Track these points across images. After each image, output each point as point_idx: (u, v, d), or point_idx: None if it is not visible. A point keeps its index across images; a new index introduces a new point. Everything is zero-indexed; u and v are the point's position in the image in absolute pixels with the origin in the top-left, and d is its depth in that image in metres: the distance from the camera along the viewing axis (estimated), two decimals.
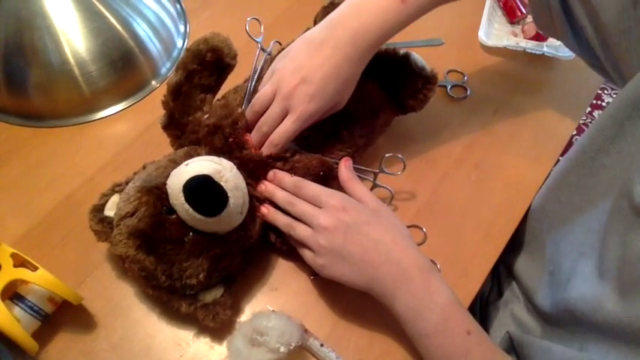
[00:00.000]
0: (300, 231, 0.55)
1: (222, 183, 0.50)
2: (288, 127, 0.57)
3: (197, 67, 0.59)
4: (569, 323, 0.55)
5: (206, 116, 0.59)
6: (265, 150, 0.58)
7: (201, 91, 0.60)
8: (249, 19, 0.63)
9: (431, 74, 0.65)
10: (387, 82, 0.66)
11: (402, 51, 0.66)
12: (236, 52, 0.60)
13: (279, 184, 0.58)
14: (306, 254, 0.55)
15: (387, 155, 0.62)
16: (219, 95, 0.63)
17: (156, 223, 0.51)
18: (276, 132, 0.58)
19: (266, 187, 0.58)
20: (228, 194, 0.50)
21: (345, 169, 0.58)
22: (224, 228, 0.52)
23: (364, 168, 0.63)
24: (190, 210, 0.49)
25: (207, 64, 0.59)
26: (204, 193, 0.49)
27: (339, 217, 0.53)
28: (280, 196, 0.57)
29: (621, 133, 0.52)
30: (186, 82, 0.59)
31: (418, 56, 0.66)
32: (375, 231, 0.53)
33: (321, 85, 0.56)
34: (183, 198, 0.49)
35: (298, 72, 0.56)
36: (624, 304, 0.47)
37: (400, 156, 0.62)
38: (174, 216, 0.51)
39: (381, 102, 0.66)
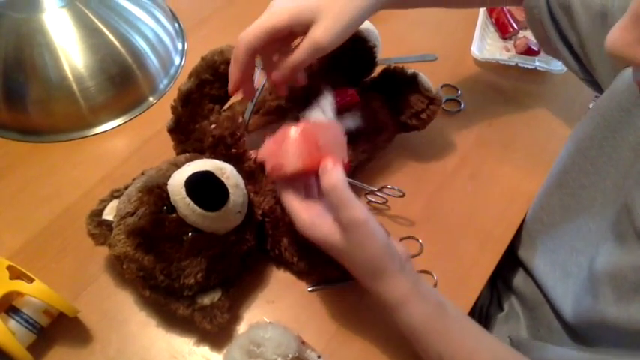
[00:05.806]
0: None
1: (223, 179, 0.51)
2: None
3: (209, 77, 0.60)
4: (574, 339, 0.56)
5: (213, 126, 0.60)
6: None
7: (210, 101, 0.61)
8: None
9: (436, 95, 0.67)
10: (393, 100, 0.67)
11: (410, 71, 0.67)
12: None
13: None
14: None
15: (389, 187, 0.65)
16: (225, 106, 0.64)
17: (156, 221, 0.51)
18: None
19: None
20: (229, 190, 0.51)
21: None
22: (223, 226, 0.53)
23: (362, 185, 0.64)
24: (191, 204, 0.49)
25: (220, 76, 0.60)
26: (206, 187, 0.50)
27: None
28: None
29: (600, 154, 0.53)
30: (196, 90, 0.60)
31: (426, 77, 0.67)
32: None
33: None
34: (184, 192, 0.49)
35: None
36: (621, 310, 0.47)
37: (399, 189, 0.64)
38: (174, 215, 0.52)
39: (385, 120, 0.67)
